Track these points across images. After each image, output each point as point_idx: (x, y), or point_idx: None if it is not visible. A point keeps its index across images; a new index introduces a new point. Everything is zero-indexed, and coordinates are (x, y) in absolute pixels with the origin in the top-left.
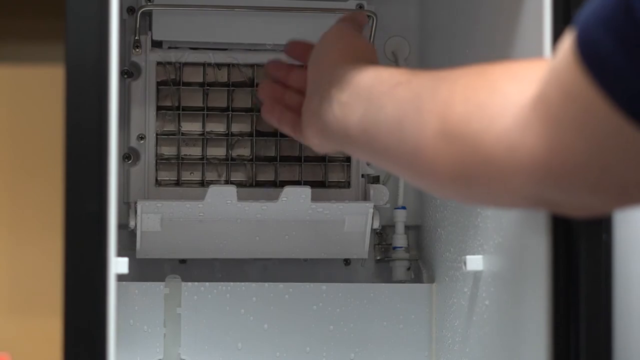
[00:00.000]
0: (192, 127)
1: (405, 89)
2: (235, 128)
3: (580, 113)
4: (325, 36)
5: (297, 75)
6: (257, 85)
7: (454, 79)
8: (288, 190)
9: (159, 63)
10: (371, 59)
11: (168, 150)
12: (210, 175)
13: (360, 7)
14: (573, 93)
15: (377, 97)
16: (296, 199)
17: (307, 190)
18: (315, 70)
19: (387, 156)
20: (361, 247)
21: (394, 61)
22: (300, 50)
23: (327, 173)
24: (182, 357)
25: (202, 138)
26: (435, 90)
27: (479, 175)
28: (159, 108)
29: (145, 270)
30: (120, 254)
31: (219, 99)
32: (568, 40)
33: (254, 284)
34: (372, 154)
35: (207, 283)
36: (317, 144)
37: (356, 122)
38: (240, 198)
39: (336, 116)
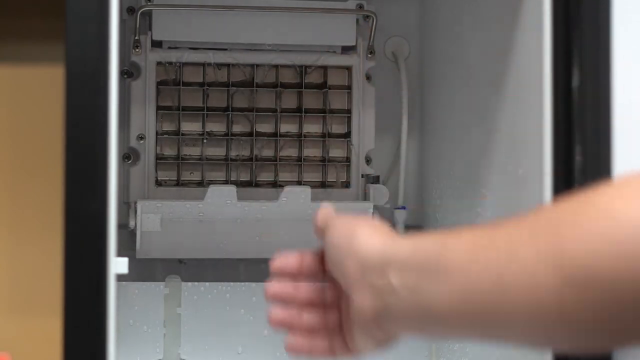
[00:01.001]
0: (192, 127)
1: (488, 250)
2: (235, 128)
3: None
4: (335, 232)
5: (307, 289)
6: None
7: (547, 218)
8: (288, 190)
9: (159, 63)
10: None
11: (168, 150)
12: (210, 175)
13: (360, 7)
14: None
15: (454, 268)
16: (296, 199)
17: (307, 190)
18: (348, 267)
19: (494, 326)
20: None
21: (394, 61)
22: (295, 265)
23: (327, 173)
24: (182, 357)
25: (202, 138)
26: (533, 238)
27: (627, 315)
28: (159, 108)
29: (145, 270)
30: (120, 254)
31: (218, 99)
32: None
33: (254, 284)
34: (470, 329)
35: (207, 283)
36: (378, 344)
37: (437, 300)
38: (240, 198)
39: (404, 301)
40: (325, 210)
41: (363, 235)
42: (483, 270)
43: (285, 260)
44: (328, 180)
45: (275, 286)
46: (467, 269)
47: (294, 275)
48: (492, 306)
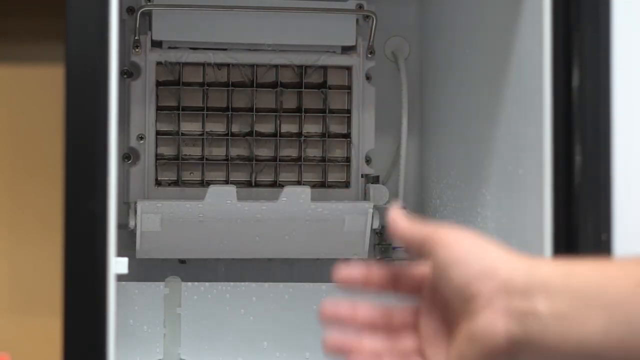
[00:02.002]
0: (192, 127)
1: None
2: (235, 128)
3: None
4: (457, 248)
5: (369, 309)
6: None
7: None
8: (288, 190)
9: (159, 63)
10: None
11: (168, 150)
12: (210, 175)
13: (360, 7)
14: None
15: (624, 302)
16: (296, 199)
17: (307, 190)
18: (480, 287)
19: None
20: (361, 247)
21: (394, 61)
22: (361, 277)
23: (327, 173)
24: (182, 357)
25: (202, 138)
26: None
27: None
28: (159, 108)
29: (145, 270)
30: (120, 254)
31: (218, 99)
32: None
33: (254, 284)
34: None
35: (207, 283)
36: None
37: (595, 335)
38: (240, 198)
39: (551, 331)
40: (417, 226)
41: (502, 255)
42: None
43: (351, 270)
44: (328, 180)
45: (331, 305)
46: (634, 302)
47: (359, 288)
48: None
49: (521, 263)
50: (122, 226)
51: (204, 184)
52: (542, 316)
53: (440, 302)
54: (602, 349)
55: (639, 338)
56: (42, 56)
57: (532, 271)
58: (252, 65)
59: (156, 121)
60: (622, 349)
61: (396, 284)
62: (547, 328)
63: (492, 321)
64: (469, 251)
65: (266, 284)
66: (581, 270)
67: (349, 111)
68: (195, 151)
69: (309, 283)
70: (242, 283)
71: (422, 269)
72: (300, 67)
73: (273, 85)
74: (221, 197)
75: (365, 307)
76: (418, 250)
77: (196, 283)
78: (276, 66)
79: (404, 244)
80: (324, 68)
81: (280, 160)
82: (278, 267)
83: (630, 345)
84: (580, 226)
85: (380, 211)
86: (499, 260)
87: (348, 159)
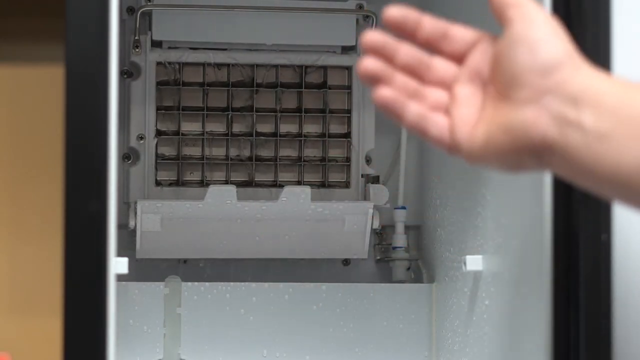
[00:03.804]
0: (192, 127)
1: None
2: (235, 128)
3: None
4: (535, 29)
5: (412, 53)
6: (254, 85)
7: None
8: (288, 190)
9: (159, 63)
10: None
11: (168, 150)
12: (210, 175)
13: (360, 7)
14: None
15: None
16: (296, 199)
17: (307, 190)
18: (536, 80)
19: None
20: (361, 247)
21: None
22: (414, 23)
23: (327, 173)
24: (182, 357)
25: (202, 138)
26: None
27: None
28: (159, 108)
29: (145, 270)
30: (120, 254)
31: (218, 99)
32: None
33: (254, 284)
34: None
35: (207, 283)
36: (508, 165)
37: (634, 165)
38: (240, 198)
39: (588, 145)
40: None
41: (572, 54)
42: None
43: (406, 11)
44: (328, 180)
45: (376, 34)
46: None
47: (408, 33)
48: None
49: (584, 70)
50: (122, 226)
51: (204, 184)
52: (586, 130)
53: (484, 74)
54: (634, 181)
55: None
56: (42, 56)
57: (590, 82)
58: (252, 65)
59: (156, 121)
60: None
61: (443, 44)
62: (586, 143)
63: (534, 118)
64: (543, 37)
65: (266, 284)
66: (629, 93)
67: (349, 111)
68: (195, 151)
69: (309, 283)
70: (242, 283)
71: (472, 35)
72: (300, 67)
73: (273, 85)
74: (221, 197)
75: (408, 48)
76: (498, 12)
77: (196, 283)
78: (276, 66)
79: (494, 8)
80: (324, 68)
81: (280, 160)
82: (278, 267)
83: None
84: (580, 226)
85: (381, 211)
86: (566, 58)
87: (348, 159)
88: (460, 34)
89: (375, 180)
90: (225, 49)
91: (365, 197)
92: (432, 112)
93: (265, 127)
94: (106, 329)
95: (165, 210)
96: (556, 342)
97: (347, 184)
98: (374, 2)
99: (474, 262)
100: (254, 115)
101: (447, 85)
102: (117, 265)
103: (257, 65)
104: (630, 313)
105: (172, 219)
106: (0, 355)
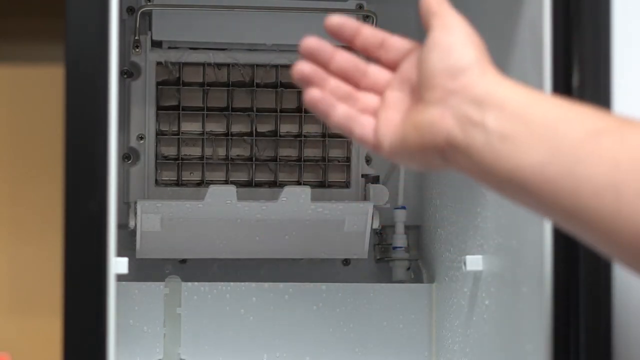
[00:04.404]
0: (192, 127)
1: (614, 142)
2: (235, 128)
3: None
4: (451, 36)
5: (347, 59)
6: (257, 86)
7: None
8: (288, 190)
9: (159, 63)
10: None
11: (168, 150)
12: (210, 175)
13: (360, 7)
14: None
15: (570, 145)
16: (296, 199)
17: (307, 190)
18: (445, 83)
19: (585, 223)
20: (361, 247)
21: None
22: (351, 32)
23: (327, 173)
24: (182, 357)
25: (202, 138)
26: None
27: None
28: (159, 108)
29: (145, 270)
30: (120, 254)
31: (218, 99)
32: None
33: (254, 284)
34: (555, 211)
35: (207, 283)
36: (420, 163)
37: (532, 166)
38: (240, 198)
39: (490, 146)
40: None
41: (479, 60)
42: (596, 152)
43: (345, 20)
44: (328, 180)
45: (314, 41)
46: (579, 148)
47: (348, 40)
48: (587, 204)
49: (490, 76)
50: (122, 226)
51: (204, 184)
52: (489, 130)
53: (413, 81)
54: (531, 182)
55: (572, 183)
56: (42, 56)
57: (495, 87)
58: (252, 65)
59: (156, 121)
60: (551, 189)
61: (380, 52)
62: (488, 143)
63: (439, 117)
64: (456, 43)
65: (266, 284)
66: (542, 105)
67: None
68: (195, 151)
69: (309, 283)
70: (242, 283)
71: (407, 44)
72: None
73: (273, 85)
74: (221, 197)
75: (345, 56)
76: (424, 20)
77: (196, 283)
78: (276, 66)
79: (422, 14)
80: None
81: (280, 160)
82: (278, 267)
83: (559, 187)
84: None
85: (381, 211)
86: (473, 64)
87: (348, 159)
88: (397, 44)
89: (375, 180)
90: (225, 49)
91: (365, 197)
92: (361, 114)
93: (265, 127)
94: (106, 329)
95: (165, 210)
96: (556, 342)
97: (347, 184)
98: (374, 2)
99: (474, 262)
100: (254, 115)
101: (380, 91)
102: (117, 265)
103: (257, 65)
104: (631, 313)
105: (172, 219)
106: (0, 355)
